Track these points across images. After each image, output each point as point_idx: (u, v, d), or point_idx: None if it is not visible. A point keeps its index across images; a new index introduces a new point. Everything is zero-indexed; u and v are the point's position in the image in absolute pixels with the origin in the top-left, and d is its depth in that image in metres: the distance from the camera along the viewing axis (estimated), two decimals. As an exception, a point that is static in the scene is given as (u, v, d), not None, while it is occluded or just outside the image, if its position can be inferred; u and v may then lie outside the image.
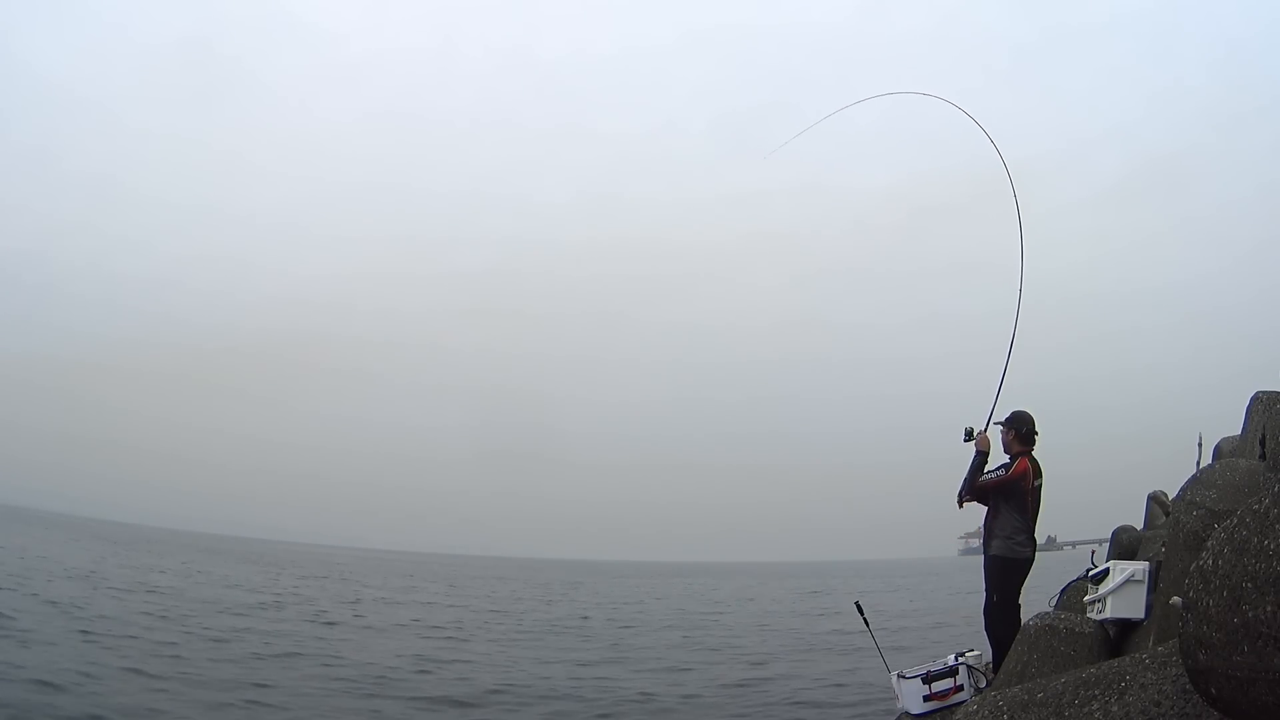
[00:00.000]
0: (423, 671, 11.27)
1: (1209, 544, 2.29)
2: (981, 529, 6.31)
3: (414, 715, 8.74)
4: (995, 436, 6.19)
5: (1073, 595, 6.18)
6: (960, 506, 6.26)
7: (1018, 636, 5.28)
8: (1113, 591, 5.17)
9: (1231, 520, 2.28)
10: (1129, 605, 5.11)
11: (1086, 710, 2.75)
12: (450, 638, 15.81)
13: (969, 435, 6.17)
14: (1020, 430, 6.11)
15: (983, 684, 5.75)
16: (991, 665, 6.02)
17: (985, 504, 6.17)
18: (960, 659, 5.98)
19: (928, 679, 5.85)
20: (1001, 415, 6.19)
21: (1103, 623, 5.19)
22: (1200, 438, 7.89)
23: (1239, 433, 6.57)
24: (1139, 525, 8.50)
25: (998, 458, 6.19)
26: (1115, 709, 2.67)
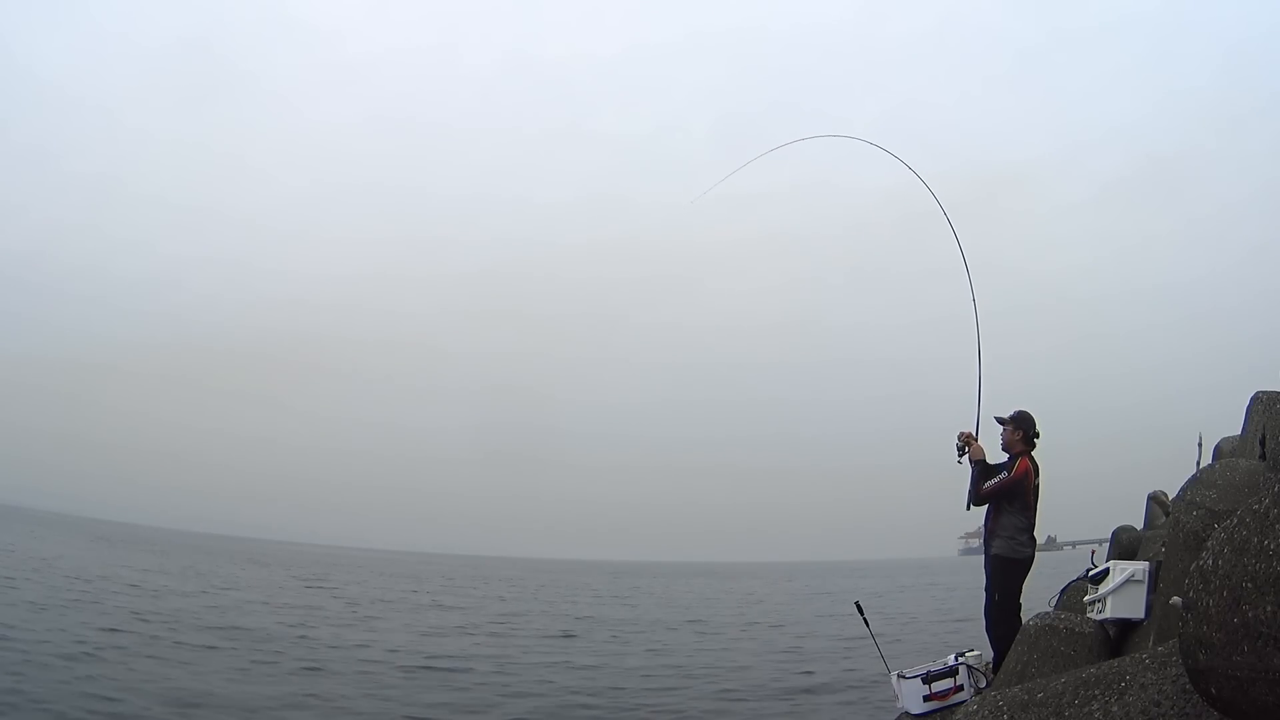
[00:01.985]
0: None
1: (1209, 544, 2.29)
2: (982, 529, 6.33)
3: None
4: (990, 438, 6.25)
5: (1073, 595, 6.18)
6: (968, 509, 6.33)
7: (1018, 636, 5.29)
8: (1113, 591, 5.17)
9: (1231, 520, 2.27)
10: (1129, 605, 5.12)
11: (1086, 710, 2.74)
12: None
13: (962, 451, 6.28)
14: (1027, 431, 6.17)
15: (983, 684, 5.75)
16: (992, 665, 6.02)
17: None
18: (960, 659, 5.98)
19: (928, 679, 5.85)
20: (985, 426, 6.28)
21: (1103, 623, 5.19)
22: (1200, 438, 7.90)
23: (1239, 433, 6.57)
24: (1139, 525, 8.50)
25: (996, 456, 6.23)
26: (1115, 709, 2.67)
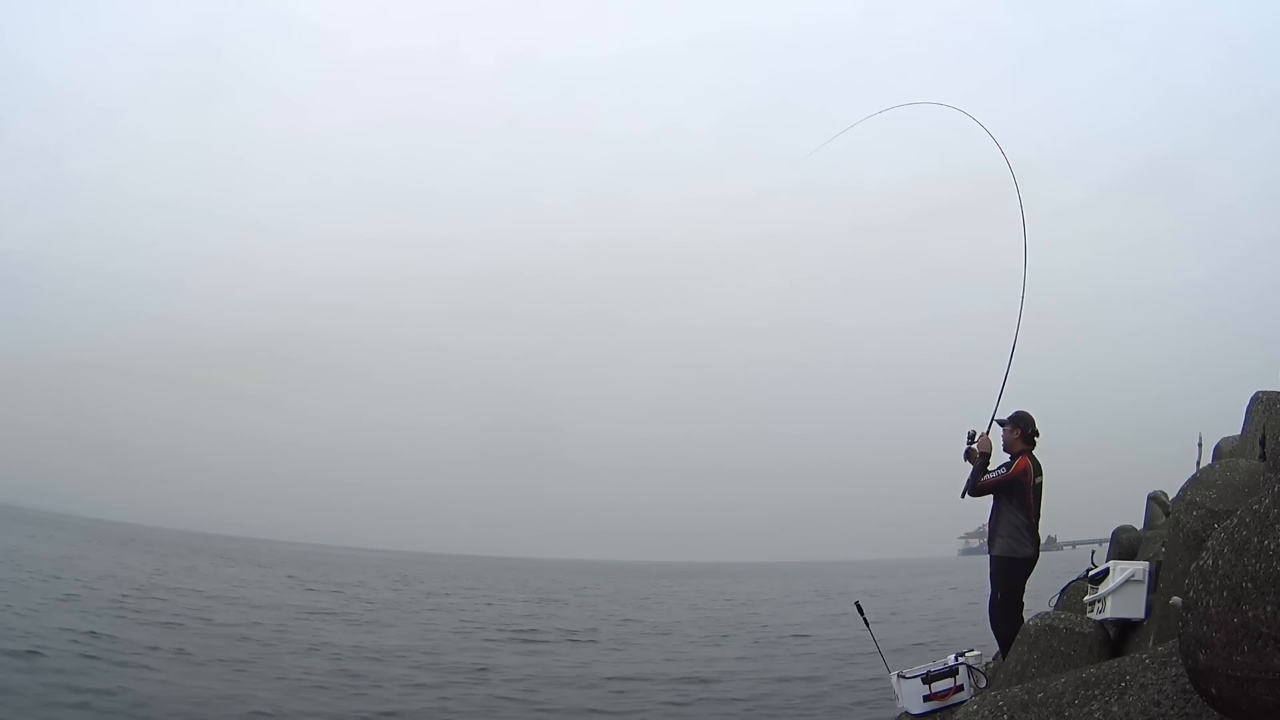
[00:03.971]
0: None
1: (1209, 544, 2.29)
2: (983, 528, 6.34)
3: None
4: (995, 437, 6.24)
5: (1073, 595, 6.19)
6: (962, 498, 6.32)
7: (1018, 636, 5.30)
8: (1113, 591, 5.18)
9: (1231, 520, 2.27)
10: (1129, 605, 5.12)
11: (1086, 710, 2.74)
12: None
13: (971, 439, 6.25)
14: (1026, 429, 6.18)
15: (983, 684, 5.76)
16: (993, 665, 6.02)
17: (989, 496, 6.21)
18: (960, 659, 5.99)
19: (928, 679, 5.86)
20: (1003, 416, 6.24)
21: (1103, 623, 5.20)
22: (1200, 438, 7.89)
23: (1239, 433, 6.57)
24: (1139, 525, 8.50)
25: (998, 458, 6.23)
26: (1115, 709, 2.67)
